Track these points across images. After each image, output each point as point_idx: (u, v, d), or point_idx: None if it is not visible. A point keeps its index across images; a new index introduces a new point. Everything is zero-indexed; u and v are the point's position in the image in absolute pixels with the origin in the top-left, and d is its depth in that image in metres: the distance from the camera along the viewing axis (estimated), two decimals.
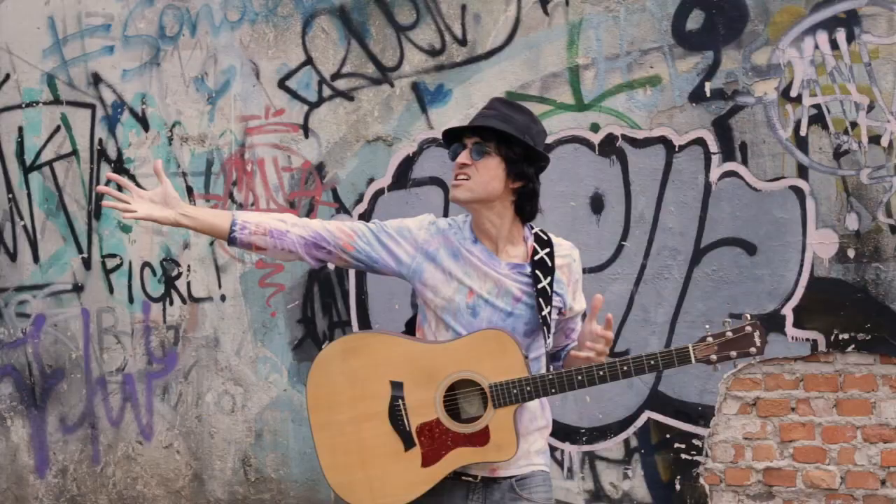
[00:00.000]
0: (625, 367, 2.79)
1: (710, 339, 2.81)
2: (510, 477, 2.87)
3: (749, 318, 2.84)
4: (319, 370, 2.89)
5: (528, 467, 2.89)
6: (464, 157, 2.91)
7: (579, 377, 2.79)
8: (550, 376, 2.79)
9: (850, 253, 4.49)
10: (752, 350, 2.80)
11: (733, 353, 2.80)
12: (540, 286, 2.89)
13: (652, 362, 2.78)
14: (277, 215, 2.99)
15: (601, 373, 2.79)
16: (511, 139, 2.90)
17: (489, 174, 2.90)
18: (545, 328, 2.88)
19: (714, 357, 2.80)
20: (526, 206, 2.97)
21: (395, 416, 2.83)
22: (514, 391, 2.77)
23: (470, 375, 2.80)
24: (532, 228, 3.00)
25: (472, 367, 2.80)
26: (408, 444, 2.82)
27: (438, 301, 2.91)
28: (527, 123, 2.95)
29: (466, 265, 2.91)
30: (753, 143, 4.63)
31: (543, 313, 2.87)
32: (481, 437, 2.79)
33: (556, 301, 2.93)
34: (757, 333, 2.81)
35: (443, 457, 2.80)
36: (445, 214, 2.94)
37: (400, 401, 2.83)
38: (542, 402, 2.93)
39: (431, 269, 2.93)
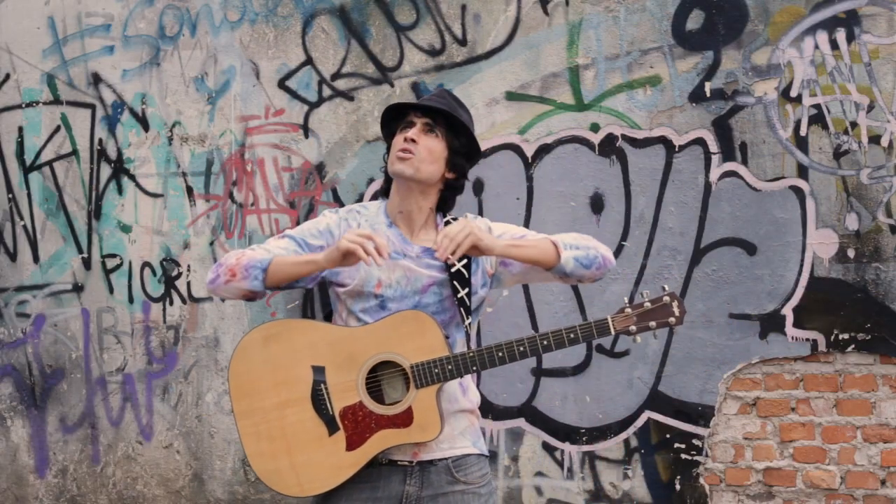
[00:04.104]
0: (545, 342, 2.77)
1: (628, 311, 2.79)
2: (443, 459, 2.84)
3: (665, 289, 2.84)
4: (240, 358, 2.85)
5: (451, 450, 2.86)
6: (415, 132, 2.90)
7: (500, 354, 2.76)
8: (471, 354, 2.76)
9: (850, 253, 4.49)
10: (672, 320, 2.80)
11: (652, 324, 2.79)
12: (454, 269, 2.88)
13: (572, 335, 2.76)
14: None
15: (521, 349, 2.76)
16: (458, 129, 2.92)
17: (433, 156, 2.91)
18: (462, 310, 2.86)
19: (633, 328, 2.79)
20: (450, 199, 2.99)
21: (318, 400, 2.79)
22: (436, 371, 2.74)
23: (391, 357, 2.77)
24: (444, 216, 3.01)
25: (393, 348, 2.77)
26: (331, 428, 2.78)
27: (349, 292, 2.88)
28: (470, 121, 2.99)
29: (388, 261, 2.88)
30: (753, 143, 4.63)
31: (459, 295, 2.86)
32: (405, 418, 2.76)
33: (475, 281, 2.90)
34: (675, 304, 2.81)
35: (367, 439, 2.77)
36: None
37: (322, 385, 2.79)
38: (463, 384, 2.89)
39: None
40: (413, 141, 2.89)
